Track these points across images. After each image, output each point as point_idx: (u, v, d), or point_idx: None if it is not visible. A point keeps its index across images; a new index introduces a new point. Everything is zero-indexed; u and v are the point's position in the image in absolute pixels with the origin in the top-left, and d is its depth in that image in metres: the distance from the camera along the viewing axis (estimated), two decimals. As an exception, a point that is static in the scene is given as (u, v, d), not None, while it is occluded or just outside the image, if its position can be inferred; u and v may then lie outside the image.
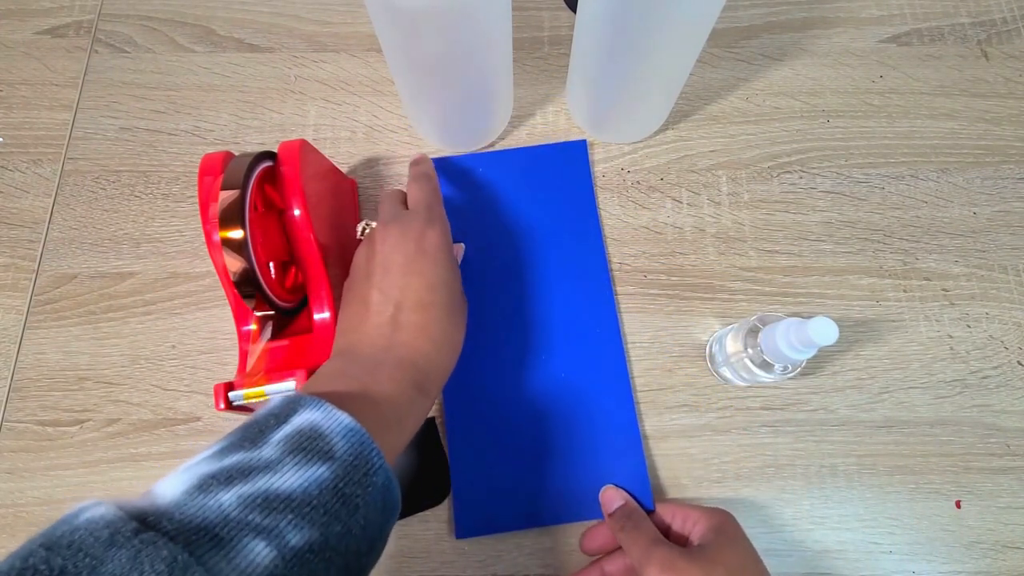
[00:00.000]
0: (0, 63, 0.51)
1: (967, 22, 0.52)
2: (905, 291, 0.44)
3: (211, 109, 0.50)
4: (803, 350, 0.32)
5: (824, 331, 0.31)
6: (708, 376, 0.43)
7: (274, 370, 0.33)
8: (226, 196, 0.32)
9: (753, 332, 0.36)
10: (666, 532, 0.37)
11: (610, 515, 0.37)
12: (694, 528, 0.35)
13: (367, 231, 0.37)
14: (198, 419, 0.42)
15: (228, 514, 0.20)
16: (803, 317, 0.33)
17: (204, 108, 0.50)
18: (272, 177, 0.36)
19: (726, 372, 0.40)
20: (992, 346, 0.43)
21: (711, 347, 0.42)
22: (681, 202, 0.47)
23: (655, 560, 0.32)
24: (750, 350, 0.36)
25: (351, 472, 0.23)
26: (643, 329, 0.44)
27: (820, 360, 0.43)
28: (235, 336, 0.36)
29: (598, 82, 0.42)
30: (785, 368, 0.36)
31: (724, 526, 0.34)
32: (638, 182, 0.47)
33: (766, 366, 0.36)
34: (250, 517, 0.20)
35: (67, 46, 0.52)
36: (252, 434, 0.24)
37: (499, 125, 0.48)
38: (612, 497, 0.38)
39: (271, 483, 0.22)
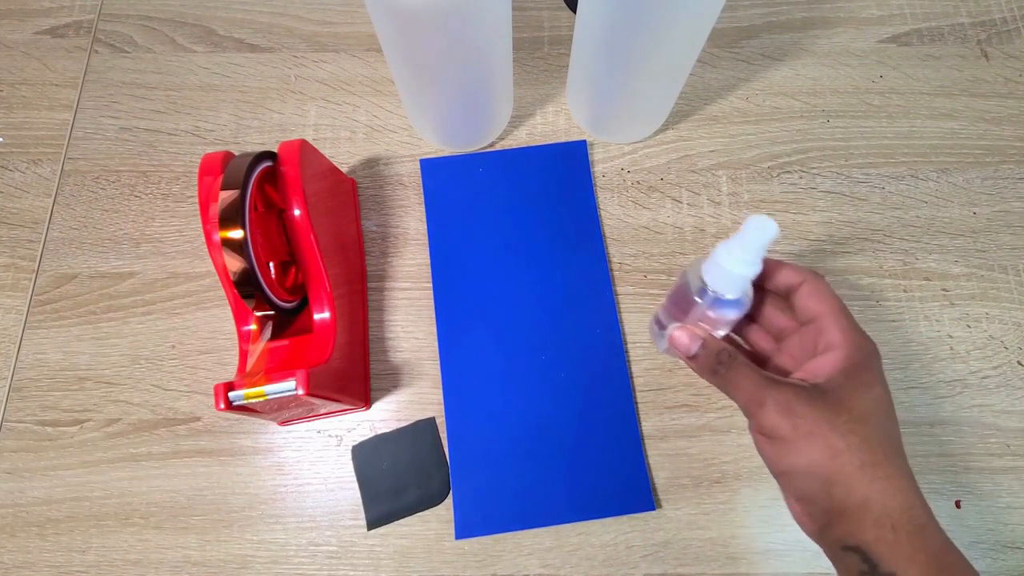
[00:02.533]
0: (0, 63, 0.51)
1: (967, 22, 0.52)
2: (905, 291, 0.44)
3: (211, 109, 0.50)
4: (751, 259, 0.28)
5: (763, 225, 0.27)
6: (708, 376, 0.42)
7: (274, 370, 0.33)
8: (226, 196, 0.32)
9: (696, 282, 0.30)
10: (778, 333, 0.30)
11: (693, 359, 0.29)
12: (824, 356, 0.28)
13: None
14: (198, 419, 0.42)
15: None
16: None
17: (204, 108, 0.50)
18: (272, 177, 0.36)
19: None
20: (992, 346, 0.43)
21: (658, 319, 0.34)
22: (681, 202, 0.47)
23: (769, 403, 0.26)
24: (700, 300, 0.30)
25: None
26: (643, 329, 0.44)
27: (820, 360, 0.43)
28: (235, 336, 0.36)
29: (598, 82, 0.42)
30: (742, 302, 0.29)
31: (861, 368, 0.27)
32: (638, 182, 0.47)
33: (725, 306, 0.29)
34: None
35: (67, 46, 0.52)
36: None
37: (499, 125, 0.48)
38: (684, 340, 0.29)
39: None
